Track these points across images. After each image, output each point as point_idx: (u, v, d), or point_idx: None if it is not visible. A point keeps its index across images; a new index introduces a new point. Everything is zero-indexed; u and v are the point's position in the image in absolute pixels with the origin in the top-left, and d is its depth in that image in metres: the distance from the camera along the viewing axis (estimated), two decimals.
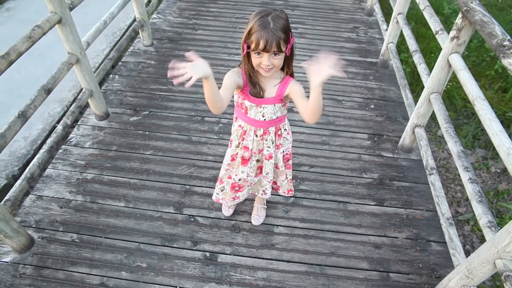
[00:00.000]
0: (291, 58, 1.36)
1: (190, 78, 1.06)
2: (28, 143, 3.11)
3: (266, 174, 1.75)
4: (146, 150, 2.55)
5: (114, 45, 4.28)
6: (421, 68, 2.43)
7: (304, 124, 2.82)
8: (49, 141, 2.25)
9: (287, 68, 1.39)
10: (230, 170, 1.78)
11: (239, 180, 1.75)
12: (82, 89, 2.56)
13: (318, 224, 2.15)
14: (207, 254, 1.99)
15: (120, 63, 3.41)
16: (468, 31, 1.85)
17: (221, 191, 1.90)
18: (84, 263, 1.92)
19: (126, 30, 4.51)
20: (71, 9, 2.18)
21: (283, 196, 2.27)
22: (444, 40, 2.04)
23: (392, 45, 3.28)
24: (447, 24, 4.38)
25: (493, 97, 3.72)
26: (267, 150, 1.63)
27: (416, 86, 3.79)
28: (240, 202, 2.20)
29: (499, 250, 1.32)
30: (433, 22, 2.28)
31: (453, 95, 3.74)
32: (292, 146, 2.61)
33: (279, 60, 1.27)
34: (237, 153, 1.67)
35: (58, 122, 3.31)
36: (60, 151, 2.53)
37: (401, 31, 3.10)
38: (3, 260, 1.91)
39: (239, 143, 1.63)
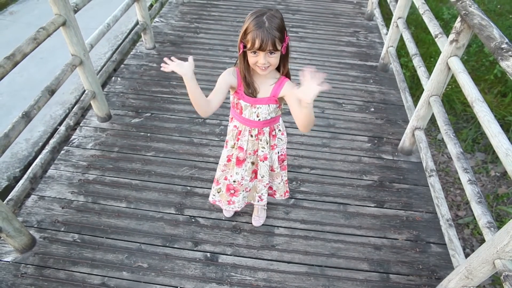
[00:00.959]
0: (287, 57, 1.38)
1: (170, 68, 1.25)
2: (30, 145, 3.13)
3: (262, 177, 1.76)
4: (147, 151, 2.57)
5: (117, 48, 4.32)
6: (421, 71, 2.45)
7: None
8: (51, 142, 2.27)
9: (283, 67, 1.41)
10: (226, 171, 1.79)
11: (234, 182, 1.76)
12: (85, 91, 2.58)
13: (318, 225, 2.16)
14: (208, 254, 1.99)
15: (122, 65, 3.44)
16: (467, 34, 1.88)
17: (218, 192, 1.91)
18: (85, 263, 1.93)
19: (129, 33, 4.54)
20: (75, 11, 2.21)
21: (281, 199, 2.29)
22: (443, 44, 2.07)
23: (392, 49, 3.31)
24: (447, 29, 4.42)
25: (492, 101, 3.75)
26: (262, 151, 1.64)
27: (416, 90, 3.81)
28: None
29: (498, 250, 1.33)
30: (433, 26, 2.31)
31: (452, 99, 3.76)
32: (293, 149, 2.64)
33: (275, 58, 1.29)
34: (232, 154, 1.69)
35: (60, 124, 3.33)
36: (62, 152, 2.55)
37: (401, 36, 3.13)
38: (5, 259, 1.92)
39: (234, 144, 1.65)
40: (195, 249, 2.02)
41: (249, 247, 2.04)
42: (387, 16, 4.65)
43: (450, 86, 3.72)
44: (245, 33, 1.26)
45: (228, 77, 1.41)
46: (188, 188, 2.33)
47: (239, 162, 1.68)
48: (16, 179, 2.86)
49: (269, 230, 2.13)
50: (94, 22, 4.19)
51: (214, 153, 2.58)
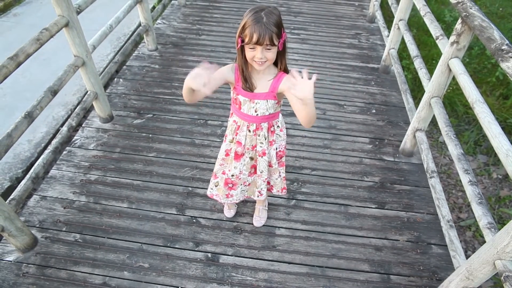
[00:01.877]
0: (284, 53, 1.40)
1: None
2: (32, 146, 3.15)
3: (261, 172, 1.77)
4: (149, 152, 2.58)
5: (119, 50, 4.34)
6: (422, 73, 2.46)
7: (306, 128, 2.85)
8: (54, 142, 2.29)
9: (280, 63, 1.43)
10: (224, 165, 1.81)
11: (232, 176, 1.78)
12: (87, 92, 2.60)
13: (319, 226, 2.17)
14: (209, 255, 2.00)
15: (124, 67, 3.46)
16: (468, 36, 1.88)
17: (215, 186, 1.92)
18: (87, 263, 1.94)
19: (131, 35, 4.56)
20: (78, 13, 2.22)
21: (282, 198, 2.29)
22: (444, 45, 2.07)
23: (393, 51, 3.32)
24: (449, 32, 4.43)
25: (494, 104, 3.74)
26: (260, 147, 1.66)
27: (417, 92, 3.82)
28: (241, 203, 2.22)
29: (498, 251, 1.33)
30: (434, 28, 2.32)
31: (454, 101, 3.76)
32: (294, 150, 2.64)
33: (272, 53, 1.31)
34: (231, 148, 1.72)
35: (62, 125, 3.35)
36: (64, 152, 2.56)
37: (403, 38, 3.14)
38: (7, 259, 1.93)
39: (232, 138, 1.67)
40: (196, 249, 2.02)
41: (250, 247, 2.04)
42: (388, 19, 4.67)
43: (451, 88, 3.73)
44: (243, 28, 1.28)
45: (226, 72, 1.44)
46: (190, 188, 2.34)
47: (237, 156, 1.70)
48: (19, 180, 2.87)
49: (270, 230, 2.13)
50: (96, 24, 4.22)
51: (216, 154, 2.58)
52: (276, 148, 1.73)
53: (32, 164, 2.97)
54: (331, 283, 1.91)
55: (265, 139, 1.64)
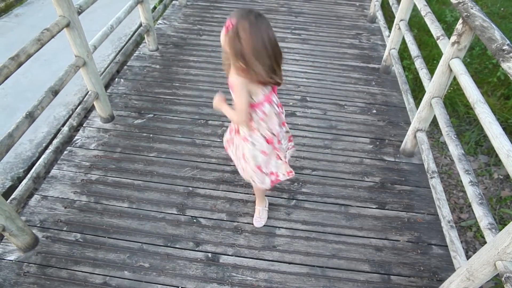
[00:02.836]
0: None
1: None
2: (33, 145, 3.15)
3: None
4: (150, 152, 2.58)
5: (120, 50, 4.35)
6: (423, 73, 2.46)
7: (307, 128, 2.85)
8: (55, 142, 2.29)
9: None
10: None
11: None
12: (88, 92, 2.60)
13: (319, 226, 2.17)
14: (209, 255, 2.00)
15: (125, 67, 3.46)
16: (469, 36, 1.88)
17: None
18: (87, 263, 1.94)
19: (132, 35, 4.57)
20: (79, 13, 2.23)
21: (282, 198, 2.30)
22: (445, 45, 2.07)
23: (394, 51, 3.31)
24: (450, 32, 4.42)
25: (495, 104, 3.74)
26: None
27: (418, 93, 3.81)
28: (241, 204, 2.23)
29: (499, 252, 1.33)
30: (434, 28, 2.31)
31: (455, 101, 3.75)
32: (295, 150, 2.64)
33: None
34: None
35: (63, 125, 3.36)
36: (65, 152, 2.57)
37: (403, 38, 3.14)
38: (8, 258, 1.93)
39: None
40: (196, 249, 2.02)
41: (250, 247, 2.04)
42: (389, 19, 4.66)
43: (452, 88, 3.72)
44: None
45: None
46: (190, 188, 2.34)
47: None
48: (20, 180, 2.88)
49: (270, 231, 2.13)
50: (97, 24, 4.23)
51: (216, 154, 2.59)
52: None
53: (33, 164, 2.97)
54: (331, 283, 1.90)
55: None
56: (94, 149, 2.59)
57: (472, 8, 1.77)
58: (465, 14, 1.81)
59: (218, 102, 1.61)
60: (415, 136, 2.47)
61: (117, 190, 2.32)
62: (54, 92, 2.11)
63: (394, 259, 2.03)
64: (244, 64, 1.38)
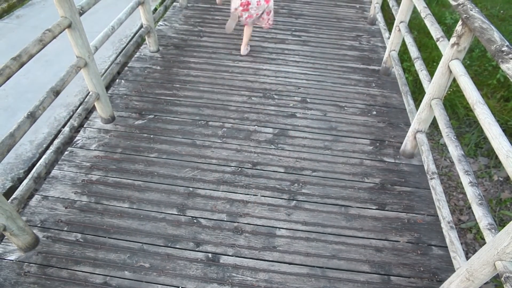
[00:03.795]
0: None
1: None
2: (34, 146, 3.16)
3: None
4: (150, 153, 2.59)
5: (121, 51, 4.36)
6: (423, 74, 2.47)
7: (307, 129, 2.86)
8: (55, 142, 2.30)
9: None
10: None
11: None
12: (89, 93, 2.61)
13: (319, 227, 2.17)
14: (210, 255, 2.00)
15: (126, 68, 3.47)
16: (468, 37, 1.89)
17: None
18: (88, 263, 1.94)
19: (133, 36, 4.59)
20: (80, 14, 2.24)
21: (283, 198, 2.30)
22: (445, 47, 2.08)
23: (394, 53, 3.33)
24: (449, 34, 4.43)
25: (495, 106, 3.75)
26: None
27: (418, 95, 3.82)
28: (242, 204, 2.23)
29: (499, 252, 1.33)
30: (434, 30, 2.32)
31: (455, 103, 3.76)
32: (295, 151, 2.65)
33: None
34: None
35: (64, 126, 3.37)
36: (66, 152, 2.57)
37: (403, 40, 3.15)
38: (9, 258, 1.94)
39: None
40: (196, 249, 2.03)
41: (250, 248, 2.05)
42: (389, 21, 4.68)
43: (451, 90, 3.73)
44: None
45: None
46: (190, 189, 2.35)
47: None
48: (20, 180, 2.88)
49: (270, 231, 2.14)
50: (98, 25, 4.24)
51: (217, 155, 2.59)
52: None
53: (33, 165, 2.98)
54: (331, 283, 1.91)
55: None
56: (94, 150, 2.60)
57: (471, 10, 1.78)
58: (465, 15, 1.82)
59: None
60: (415, 138, 2.48)
61: (117, 190, 2.32)
62: (56, 92, 2.12)
63: (394, 259, 2.03)
64: None
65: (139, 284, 1.86)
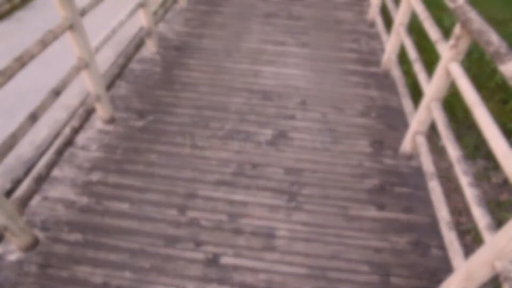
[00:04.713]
0: None
1: None
2: (34, 147, 3.17)
3: None
4: (150, 153, 2.60)
5: (122, 52, 4.37)
6: (421, 76, 2.48)
7: (307, 131, 2.87)
8: (56, 143, 2.31)
9: None
10: None
11: None
12: (89, 94, 2.62)
13: (319, 228, 2.18)
14: (209, 255, 2.01)
15: (127, 69, 3.48)
16: (466, 40, 1.91)
17: None
18: (88, 263, 1.95)
19: (134, 38, 4.60)
20: (82, 15, 2.25)
21: (282, 199, 2.31)
22: (443, 49, 2.10)
23: (393, 55, 3.35)
24: (448, 36, 4.46)
25: (493, 108, 3.77)
26: None
27: (417, 97, 3.83)
28: (241, 205, 2.24)
29: (498, 252, 1.35)
30: (433, 32, 2.34)
31: (454, 105, 3.78)
32: (295, 152, 2.66)
33: None
34: None
35: (64, 127, 3.37)
36: (66, 153, 2.58)
37: (402, 42, 3.17)
38: (9, 258, 1.94)
39: None
40: (196, 250, 2.03)
41: (250, 248, 2.05)
42: (388, 24, 4.70)
43: (450, 92, 3.74)
44: None
45: None
46: (191, 190, 2.36)
47: None
48: (21, 181, 2.88)
49: (270, 232, 2.15)
50: (99, 27, 4.26)
51: (216, 155, 2.60)
52: None
53: (34, 166, 2.98)
54: (331, 284, 1.91)
55: None
56: (95, 151, 2.60)
57: (469, 13, 1.80)
58: (463, 18, 1.83)
59: None
60: (414, 139, 2.49)
61: (117, 191, 2.33)
62: (57, 93, 2.13)
63: (394, 260, 2.04)
64: None
65: (139, 285, 1.87)
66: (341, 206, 2.31)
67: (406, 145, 2.61)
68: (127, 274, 1.91)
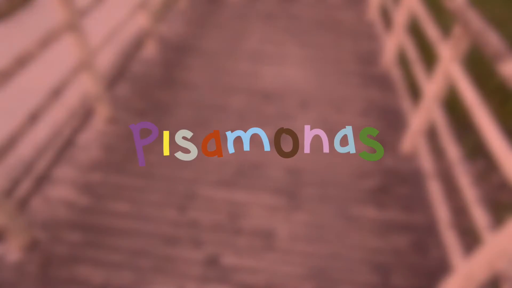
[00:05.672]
0: None
1: None
2: (34, 148, 3.17)
3: None
4: (151, 153, 2.60)
5: (122, 53, 4.37)
6: (421, 76, 2.48)
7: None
8: (56, 143, 2.30)
9: None
10: None
11: None
12: (90, 94, 2.62)
13: (319, 228, 2.18)
14: (209, 256, 2.01)
15: (127, 69, 3.49)
16: (466, 40, 1.91)
17: None
18: (88, 263, 1.95)
19: (134, 39, 4.61)
20: (82, 16, 2.25)
21: (282, 199, 2.31)
22: (443, 49, 2.10)
23: (393, 56, 3.35)
24: (448, 37, 4.46)
25: (493, 108, 3.76)
26: None
27: (417, 97, 3.84)
28: (242, 205, 2.24)
29: (497, 252, 1.34)
30: (433, 32, 2.34)
31: (453, 106, 3.78)
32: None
33: None
34: None
35: (64, 127, 3.37)
36: (66, 153, 2.58)
37: (402, 42, 3.17)
38: (9, 258, 1.94)
39: None
40: (196, 250, 2.03)
41: (250, 248, 2.05)
42: (388, 23, 4.71)
43: (450, 92, 3.75)
44: None
45: None
46: (191, 190, 2.36)
47: None
48: (21, 181, 2.88)
49: (270, 232, 2.15)
50: (99, 27, 4.26)
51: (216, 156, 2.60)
52: None
53: (34, 166, 2.98)
54: (331, 284, 1.91)
55: None
56: (95, 151, 2.60)
57: (469, 13, 1.80)
58: (463, 18, 1.83)
59: None
60: (414, 139, 2.49)
61: (117, 191, 2.33)
62: (57, 93, 2.13)
63: (393, 260, 2.04)
64: None
65: (139, 285, 1.87)
66: (341, 206, 2.31)
67: (406, 145, 2.61)
68: (127, 274, 1.91)
